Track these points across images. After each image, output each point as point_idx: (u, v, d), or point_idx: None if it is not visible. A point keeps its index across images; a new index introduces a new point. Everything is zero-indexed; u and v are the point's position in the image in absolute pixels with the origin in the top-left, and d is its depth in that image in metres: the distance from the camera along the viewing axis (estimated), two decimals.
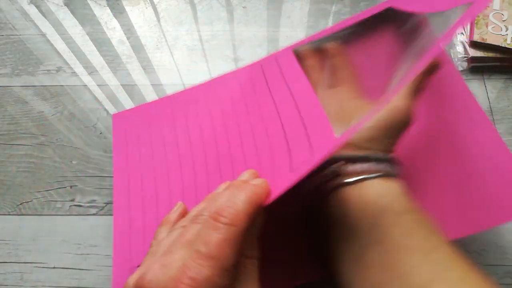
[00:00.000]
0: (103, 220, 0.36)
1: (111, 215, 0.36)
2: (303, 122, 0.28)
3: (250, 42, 0.44)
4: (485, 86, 0.40)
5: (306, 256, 0.29)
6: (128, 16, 0.47)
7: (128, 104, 0.42)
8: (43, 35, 0.46)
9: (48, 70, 0.44)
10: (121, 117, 0.38)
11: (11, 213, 0.37)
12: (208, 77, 0.43)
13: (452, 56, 0.42)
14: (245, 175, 0.25)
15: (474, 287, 0.21)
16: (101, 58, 0.45)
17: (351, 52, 0.34)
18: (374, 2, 0.45)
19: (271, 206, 0.23)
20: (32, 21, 0.47)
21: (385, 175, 0.26)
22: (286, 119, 0.29)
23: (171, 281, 0.19)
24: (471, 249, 0.33)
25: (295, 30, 0.44)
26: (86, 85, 0.43)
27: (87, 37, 0.46)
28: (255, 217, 0.22)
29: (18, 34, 0.46)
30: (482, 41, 0.40)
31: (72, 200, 0.37)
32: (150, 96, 0.42)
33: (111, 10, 0.47)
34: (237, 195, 0.21)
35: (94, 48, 0.45)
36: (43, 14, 0.47)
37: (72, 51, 0.45)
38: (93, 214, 0.37)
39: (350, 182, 0.25)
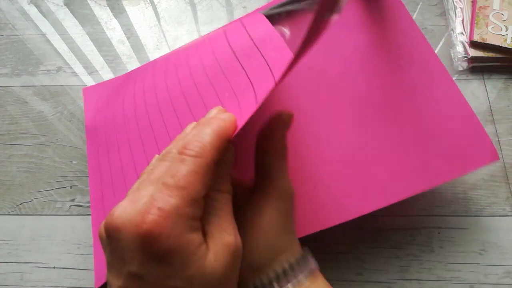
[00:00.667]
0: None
1: None
2: (258, 48, 0.27)
3: None
4: (485, 86, 0.40)
5: None
6: (128, 16, 0.47)
7: None
8: (43, 35, 0.46)
9: (48, 70, 0.44)
10: (91, 91, 0.39)
11: (11, 213, 0.37)
12: None
13: (452, 56, 0.42)
14: (213, 112, 0.24)
15: None
16: (101, 58, 0.45)
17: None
18: None
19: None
20: (32, 21, 0.47)
21: (310, 273, 0.24)
22: (240, 54, 0.28)
23: (138, 214, 0.19)
24: (471, 249, 0.33)
25: None
26: (86, 85, 0.43)
27: (87, 37, 0.46)
28: (224, 152, 0.22)
29: (18, 34, 0.46)
30: (482, 41, 0.40)
31: (72, 200, 0.37)
32: None
33: (111, 10, 0.48)
34: (203, 129, 0.21)
35: (94, 48, 0.45)
36: (43, 14, 0.47)
37: (72, 51, 0.45)
38: None
39: None
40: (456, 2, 0.43)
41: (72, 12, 0.47)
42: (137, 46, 0.45)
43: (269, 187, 0.25)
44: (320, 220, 0.30)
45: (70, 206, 0.37)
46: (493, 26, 0.40)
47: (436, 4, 0.45)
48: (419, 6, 0.45)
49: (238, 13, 0.46)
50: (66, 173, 0.39)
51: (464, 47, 0.41)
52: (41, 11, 0.47)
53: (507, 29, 0.40)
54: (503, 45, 0.39)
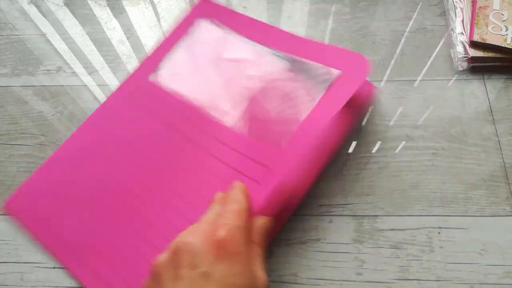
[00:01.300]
0: None
1: None
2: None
3: None
4: (485, 86, 0.40)
5: None
6: (128, 16, 0.47)
7: None
8: (43, 35, 0.46)
9: (48, 70, 0.44)
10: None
11: None
12: None
13: (452, 56, 0.42)
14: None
15: None
16: (101, 58, 0.45)
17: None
18: (374, 2, 0.46)
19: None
20: (32, 21, 0.47)
21: None
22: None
23: (210, 227, 0.26)
24: (471, 249, 0.33)
25: (295, 30, 0.44)
26: (86, 85, 0.43)
27: (87, 37, 0.46)
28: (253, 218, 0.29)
29: (18, 34, 0.46)
30: (482, 41, 0.40)
31: None
32: None
33: (111, 10, 0.48)
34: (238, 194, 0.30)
35: (94, 48, 0.45)
36: (43, 14, 0.47)
37: (72, 51, 0.45)
38: None
39: None
40: (456, 2, 0.43)
41: (72, 12, 0.47)
42: (137, 46, 0.45)
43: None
44: None
45: None
46: (493, 26, 0.40)
47: (436, 4, 0.45)
48: (419, 6, 0.45)
49: None
50: None
51: (464, 47, 0.41)
52: (41, 11, 0.47)
53: (507, 29, 0.40)
54: (503, 45, 0.39)
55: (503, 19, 0.40)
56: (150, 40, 0.45)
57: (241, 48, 0.40)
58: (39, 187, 0.37)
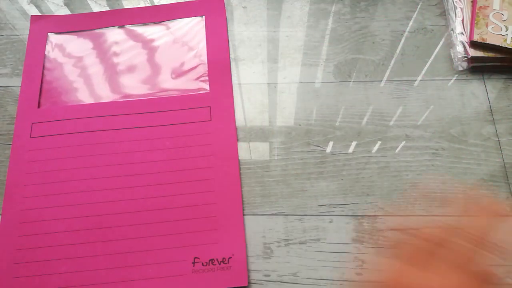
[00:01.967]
0: None
1: None
2: None
3: (250, 42, 0.44)
4: (485, 86, 0.40)
5: None
6: None
7: None
8: None
9: None
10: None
11: None
12: None
13: (452, 56, 0.42)
14: None
15: None
16: None
17: None
18: (374, 2, 0.46)
19: None
20: None
21: None
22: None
23: None
24: None
25: (295, 30, 0.44)
26: None
27: None
28: None
29: (18, 34, 0.46)
30: (482, 41, 0.40)
31: None
32: None
33: None
34: None
35: None
36: (43, 14, 0.47)
37: None
38: None
39: None
40: (456, 2, 0.43)
41: (72, 12, 0.47)
42: None
43: None
44: None
45: None
46: (493, 26, 0.40)
47: (436, 4, 0.45)
48: (419, 6, 0.45)
49: (238, 13, 0.46)
50: None
51: (464, 47, 0.41)
52: (41, 11, 0.47)
53: (507, 29, 0.40)
54: (503, 45, 0.39)
55: (503, 19, 0.40)
56: None
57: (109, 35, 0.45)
58: None
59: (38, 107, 0.41)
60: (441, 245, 0.28)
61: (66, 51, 0.44)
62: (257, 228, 0.35)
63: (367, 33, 0.44)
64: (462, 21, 0.42)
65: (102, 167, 0.37)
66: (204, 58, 0.42)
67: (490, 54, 0.40)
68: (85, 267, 0.34)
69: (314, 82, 0.41)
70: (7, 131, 0.41)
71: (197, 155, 0.38)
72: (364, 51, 0.43)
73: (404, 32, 0.44)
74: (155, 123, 0.39)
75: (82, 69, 0.43)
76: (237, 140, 0.39)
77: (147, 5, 0.47)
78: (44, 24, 0.45)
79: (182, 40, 0.44)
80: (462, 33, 0.41)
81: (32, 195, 0.36)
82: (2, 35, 0.46)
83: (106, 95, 0.41)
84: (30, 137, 0.39)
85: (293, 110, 0.40)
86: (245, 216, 0.36)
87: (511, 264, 0.33)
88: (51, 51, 0.44)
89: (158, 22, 0.45)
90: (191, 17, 0.45)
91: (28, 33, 0.45)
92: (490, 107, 0.39)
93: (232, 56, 0.43)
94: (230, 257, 0.34)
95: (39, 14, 0.46)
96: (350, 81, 0.41)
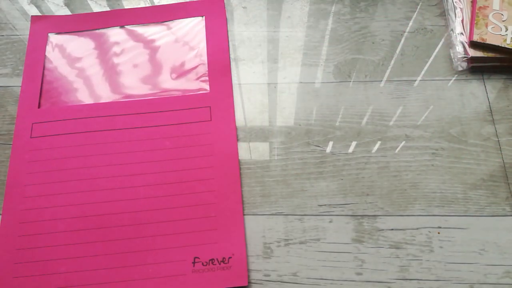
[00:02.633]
0: None
1: None
2: None
3: (250, 42, 0.44)
4: (485, 86, 0.40)
5: None
6: None
7: None
8: None
9: None
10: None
11: None
12: None
13: (452, 56, 0.42)
14: None
15: None
16: None
17: None
18: (374, 2, 0.46)
19: None
20: None
21: None
22: None
23: None
24: (471, 249, 0.33)
25: (295, 30, 0.44)
26: None
27: None
28: None
29: (18, 34, 0.46)
30: (482, 41, 0.40)
31: None
32: None
33: None
34: None
35: None
36: (43, 14, 0.47)
37: None
38: None
39: None
40: (456, 2, 0.43)
41: (72, 12, 0.47)
42: None
43: None
44: None
45: None
46: (493, 26, 0.40)
47: (436, 4, 0.45)
48: (419, 6, 0.45)
49: (238, 13, 0.46)
50: None
51: (464, 47, 0.41)
52: (41, 11, 0.47)
53: (506, 29, 0.40)
54: (502, 45, 0.39)
55: (503, 19, 0.41)
56: None
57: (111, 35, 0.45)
58: None
59: (39, 107, 0.41)
60: None
61: (67, 51, 0.44)
62: (257, 228, 0.35)
63: (367, 33, 0.44)
64: (462, 21, 0.42)
65: (102, 167, 0.37)
66: (204, 58, 0.42)
67: (490, 54, 0.40)
68: (85, 267, 0.34)
69: (314, 82, 0.41)
70: (8, 131, 0.41)
71: (197, 155, 0.38)
72: (364, 51, 0.43)
73: (404, 32, 0.44)
74: (155, 123, 0.39)
75: (83, 69, 0.43)
76: (237, 140, 0.39)
77: (147, 5, 0.47)
78: (45, 24, 0.45)
79: (182, 41, 0.44)
80: (461, 33, 0.41)
81: (32, 195, 0.37)
82: (3, 35, 0.46)
83: (106, 95, 0.41)
84: (31, 137, 0.39)
85: (293, 110, 0.40)
86: (245, 216, 0.36)
87: (510, 264, 0.33)
88: (51, 51, 0.44)
89: (158, 22, 0.45)
90: (191, 17, 0.45)
91: (28, 33, 0.45)
92: (490, 107, 0.39)
93: (232, 56, 0.43)
94: (230, 257, 0.34)
95: (40, 14, 0.47)
96: (350, 81, 0.41)
